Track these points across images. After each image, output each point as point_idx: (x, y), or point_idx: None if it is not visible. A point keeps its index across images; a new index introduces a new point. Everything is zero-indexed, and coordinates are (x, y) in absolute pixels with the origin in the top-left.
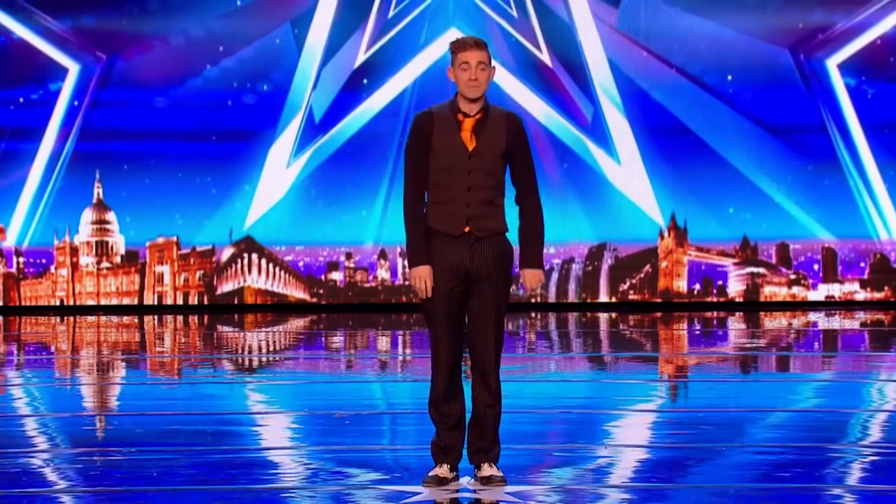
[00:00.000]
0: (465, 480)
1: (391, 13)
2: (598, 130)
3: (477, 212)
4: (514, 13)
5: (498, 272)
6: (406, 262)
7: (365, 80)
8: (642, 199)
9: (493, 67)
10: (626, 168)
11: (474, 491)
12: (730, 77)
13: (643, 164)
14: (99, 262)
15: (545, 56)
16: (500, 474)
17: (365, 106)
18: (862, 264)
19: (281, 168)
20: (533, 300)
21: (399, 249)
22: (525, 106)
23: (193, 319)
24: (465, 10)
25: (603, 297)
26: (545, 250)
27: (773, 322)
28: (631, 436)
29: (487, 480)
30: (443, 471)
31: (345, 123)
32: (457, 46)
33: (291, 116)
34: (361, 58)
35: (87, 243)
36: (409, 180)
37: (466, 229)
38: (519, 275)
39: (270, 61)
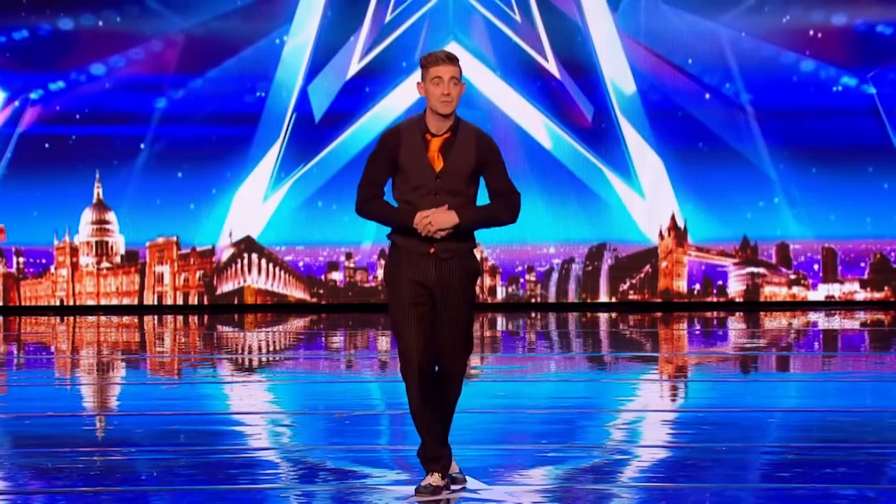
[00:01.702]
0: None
1: (388, 17)
2: (607, 138)
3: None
4: (518, 17)
5: (462, 288)
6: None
7: (365, 86)
8: (642, 198)
9: (464, 83)
10: (629, 171)
11: (476, 491)
12: (729, 77)
13: (643, 165)
14: (99, 262)
15: (551, 63)
16: (458, 468)
17: (364, 108)
18: (862, 264)
19: (264, 182)
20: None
21: None
22: (525, 106)
23: (193, 319)
24: (464, 12)
25: (603, 297)
26: (545, 250)
27: (773, 322)
28: (630, 436)
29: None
30: (435, 479)
31: (344, 123)
32: (428, 61)
33: (291, 119)
34: (356, 67)
35: (87, 243)
36: (361, 189)
37: (431, 250)
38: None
39: (268, 61)
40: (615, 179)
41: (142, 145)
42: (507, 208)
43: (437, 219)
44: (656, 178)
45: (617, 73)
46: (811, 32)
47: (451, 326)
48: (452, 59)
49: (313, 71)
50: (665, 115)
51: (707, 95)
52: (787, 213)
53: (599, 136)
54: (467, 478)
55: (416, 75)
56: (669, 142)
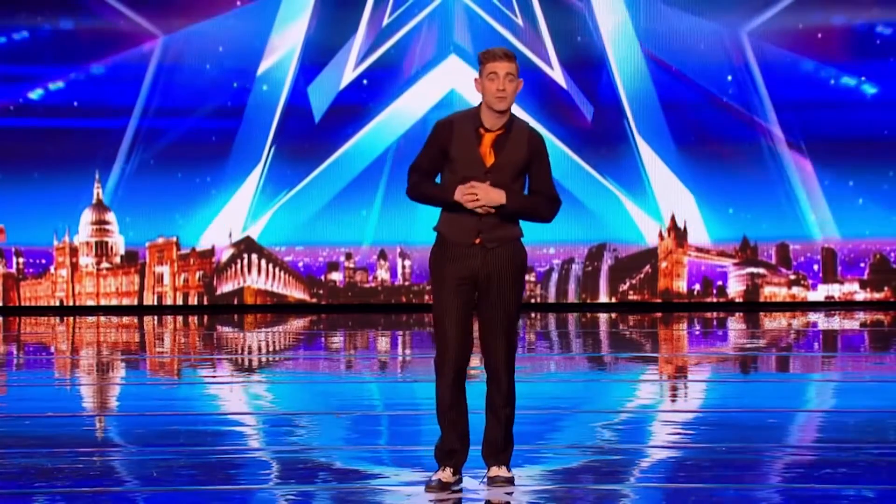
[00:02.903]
0: (467, 480)
1: (385, 21)
2: (608, 138)
3: (488, 223)
4: (520, 21)
5: (509, 277)
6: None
7: (363, 89)
8: (642, 199)
9: (521, 80)
10: (628, 170)
11: (475, 491)
12: (729, 77)
13: (644, 165)
14: (99, 263)
15: (553, 62)
16: (508, 475)
17: (364, 109)
18: (861, 265)
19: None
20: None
21: (399, 250)
22: (526, 105)
23: (193, 320)
24: (464, 15)
25: (603, 298)
26: (545, 250)
27: (773, 322)
28: (630, 436)
29: (492, 481)
30: (446, 475)
31: (344, 124)
32: (485, 57)
33: (282, 118)
34: (353, 70)
35: (87, 244)
36: (412, 173)
37: (477, 241)
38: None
39: (269, 60)
40: (616, 180)
41: (141, 145)
42: (549, 207)
43: (484, 193)
44: (657, 179)
45: (621, 70)
46: (812, 33)
47: (491, 317)
48: (509, 56)
49: (312, 71)
50: (666, 115)
51: (709, 95)
52: (786, 214)
53: (599, 136)
54: (465, 478)
55: (416, 77)
56: (670, 141)
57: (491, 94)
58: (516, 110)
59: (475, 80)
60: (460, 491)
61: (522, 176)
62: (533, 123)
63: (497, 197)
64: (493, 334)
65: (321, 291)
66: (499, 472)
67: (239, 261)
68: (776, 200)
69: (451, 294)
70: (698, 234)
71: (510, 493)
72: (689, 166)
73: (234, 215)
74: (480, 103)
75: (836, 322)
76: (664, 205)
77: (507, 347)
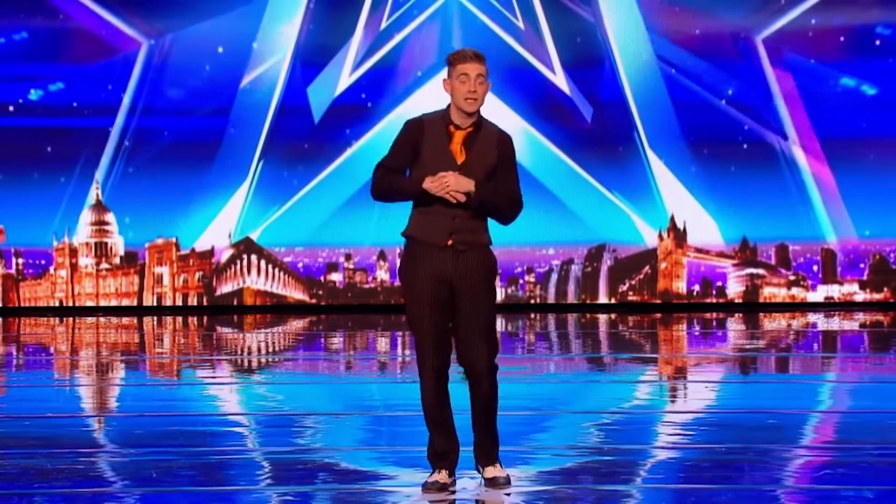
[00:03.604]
0: (464, 482)
1: (384, 24)
2: (608, 138)
3: (461, 225)
4: (521, 24)
5: (481, 280)
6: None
7: (361, 91)
8: (642, 199)
9: (489, 82)
10: (627, 170)
11: (474, 491)
12: (729, 78)
13: (644, 165)
14: (98, 264)
15: (554, 61)
16: (505, 474)
17: (362, 110)
18: (861, 265)
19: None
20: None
21: (398, 250)
22: (527, 106)
23: (193, 320)
24: (464, 19)
25: (602, 299)
26: (544, 251)
27: (773, 323)
28: (629, 437)
29: (493, 482)
30: (442, 476)
31: (343, 125)
32: (455, 58)
33: (274, 118)
34: (350, 71)
35: (87, 244)
36: (378, 169)
37: (449, 242)
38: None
39: (266, 61)
40: (615, 180)
41: (140, 146)
42: (512, 207)
43: (455, 180)
44: (657, 179)
45: (626, 70)
46: (813, 34)
47: (469, 321)
48: (480, 58)
49: (313, 71)
50: (667, 116)
51: (710, 97)
52: (786, 214)
53: (599, 136)
54: (464, 478)
55: (416, 83)
56: (670, 142)
57: (461, 95)
58: (524, 105)
59: (444, 80)
60: (454, 498)
61: (492, 176)
62: (532, 123)
63: (467, 184)
64: (473, 340)
65: (321, 292)
66: (496, 472)
67: (238, 261)
68: (776, 201)
69: (423, 298)
70: (698, 235)
71: (509, 494)
72: (690, 166)
73: (233, 216)
74: (449, 105)
75: (836, 323)
76: (664, 205)
77: (488, 352)
